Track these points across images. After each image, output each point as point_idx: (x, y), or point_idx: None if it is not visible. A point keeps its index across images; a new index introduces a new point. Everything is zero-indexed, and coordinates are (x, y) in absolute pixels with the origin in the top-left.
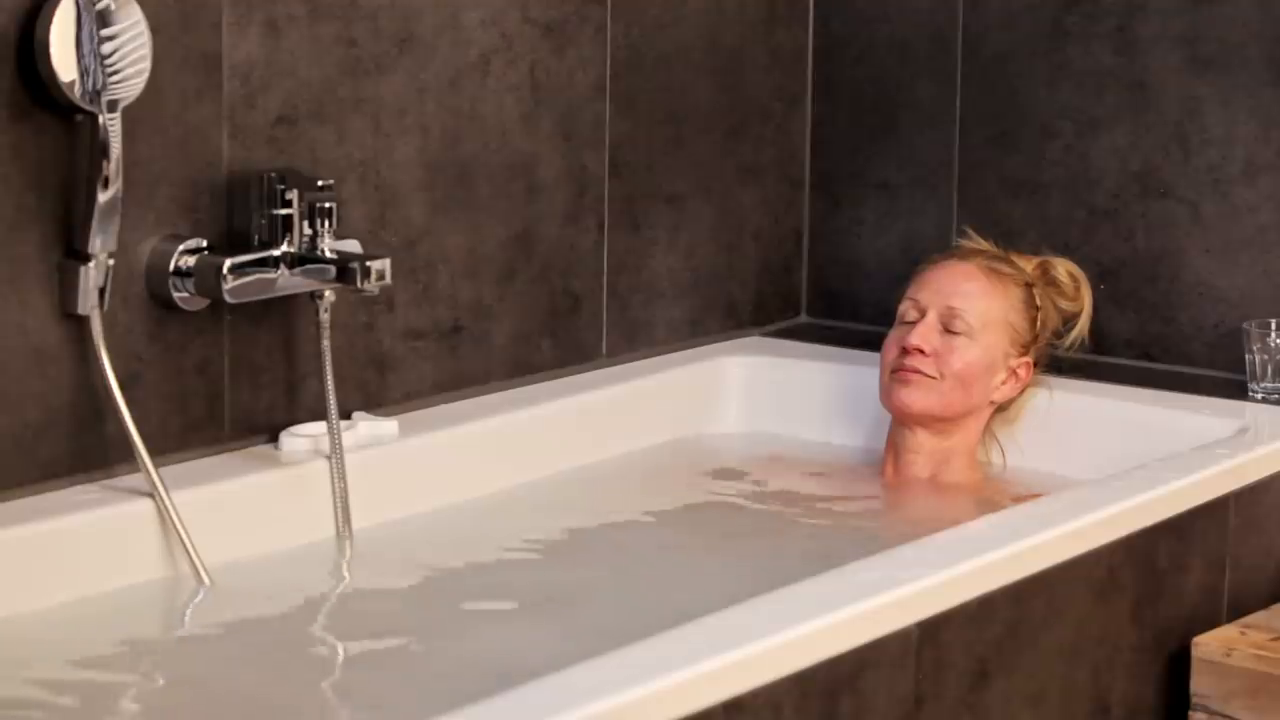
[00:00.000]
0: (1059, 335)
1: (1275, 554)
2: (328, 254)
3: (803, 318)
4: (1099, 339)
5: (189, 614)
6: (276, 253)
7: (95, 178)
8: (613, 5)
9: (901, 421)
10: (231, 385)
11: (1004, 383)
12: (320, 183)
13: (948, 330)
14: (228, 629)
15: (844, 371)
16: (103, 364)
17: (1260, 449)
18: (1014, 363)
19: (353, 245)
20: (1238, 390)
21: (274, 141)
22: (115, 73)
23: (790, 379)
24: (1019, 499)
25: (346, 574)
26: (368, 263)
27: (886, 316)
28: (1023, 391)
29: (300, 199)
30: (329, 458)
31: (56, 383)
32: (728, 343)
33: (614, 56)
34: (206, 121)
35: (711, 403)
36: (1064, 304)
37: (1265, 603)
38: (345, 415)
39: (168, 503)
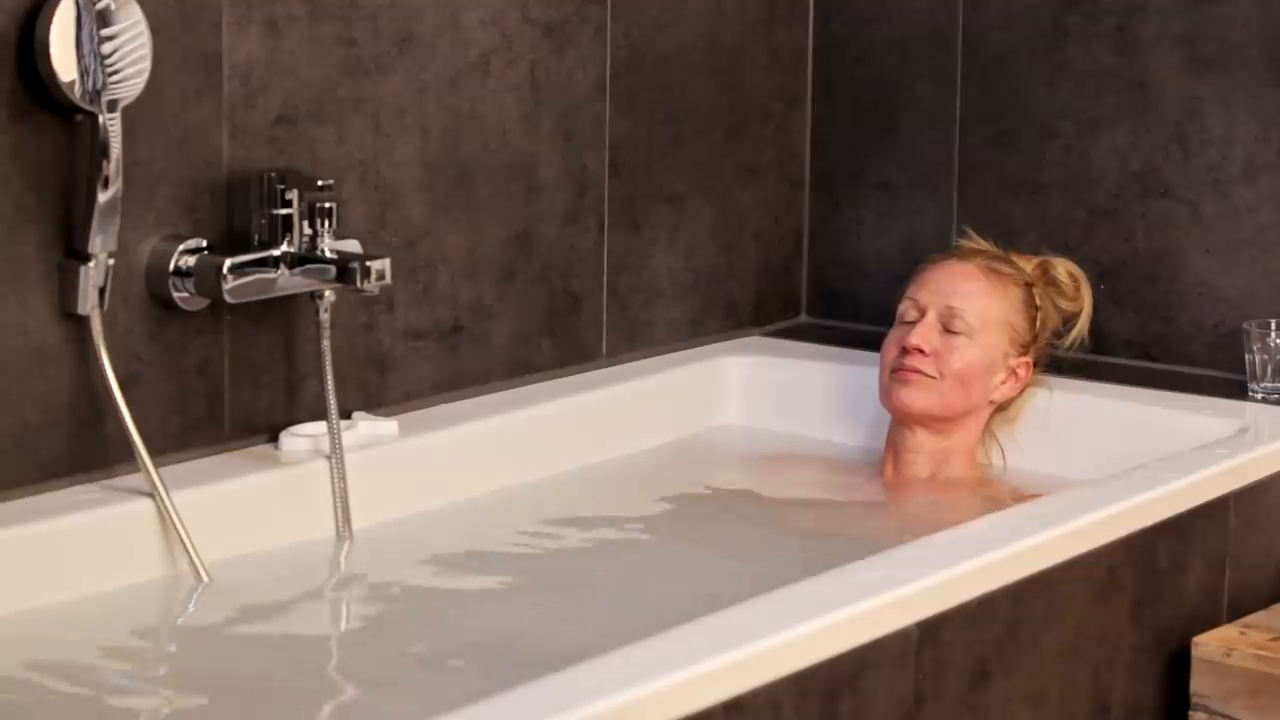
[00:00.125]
0: (1059, 335)
1: (1275, 554)
2: (328, 254)
3: (803, 318)
4: (1099, 339)
5: (189, 613)
6: (276, 253)
7: (95, 178)
8: (613, 5)
9: (901, 421)
10: (231, 385)
11: (1004, 382)
12: (320, 183)
13: (947, 330)
14: (228, 629)
15: (844, 371)
16: (103, 364)
17: (1260, 449)
18: (1014, 362)
19: (353, 245)
20: (1238, 390)
21: (274, 141)
22: (115, 73)
23: (790, 379)
24: (1019, 499)
25: (346, 574)
26: (368, 263)
27: (886, 316)
28: (1022, 391)
29: (300, 199)
30: (329, 458)
31: (56, 383)
32: (728, 343)
33: (614, 56)
34: (206, 121)
35: (711, 403)
36: (1064, 304)
37: (1265, 603)
38: (345, 415)
39: (168, 502)
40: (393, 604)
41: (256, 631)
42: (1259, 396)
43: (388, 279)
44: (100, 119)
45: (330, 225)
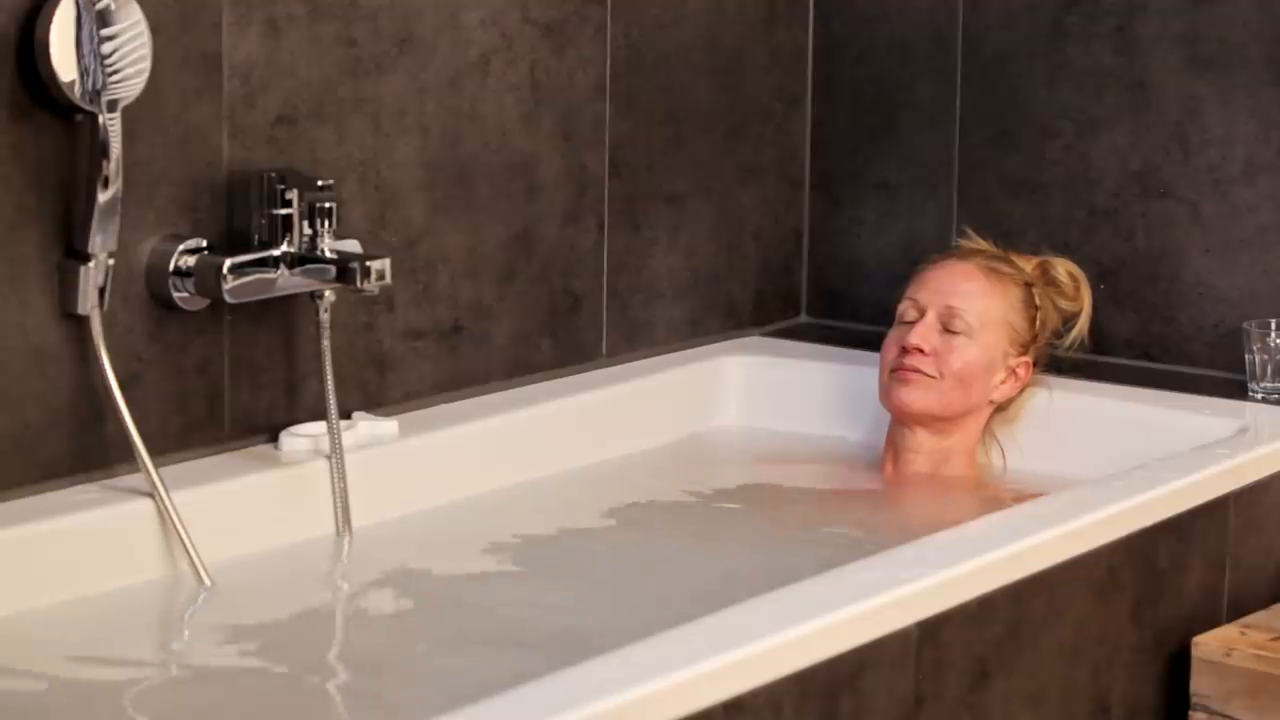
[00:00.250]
0: (1059, 335)
1: (1275, 554)
2: (328, 254)
3: (803, 318)
4: (1099, 339)
5: (189, 614)
6: (276, 253)
7: (95, 178)
8: (613, 5)
9: (901, 421)
10: (231, 385)
11: (1003, 382)
12: (320, 183)
13: (947, 330)
14: (227, 629)
15: (844, 371)
16: (103, 364)
17: (1260, 449)
18: (1013, 362)
19: (353, 245)
20: (1238, 390)
21: (274, 141)
22: (115, 73)
23: (790, 379)
24: (1019, 498)
25: (346, 573)
26: (368, 263)
27: (886, 316)
28: (1022, 391)
29: (300, 199)
30: (329, 457)
31: (56, 383)
32: (728, 342)
33: (614, 56)
34: (206, 121)
35: (711, 402)
36: (1064, 304)
37: (1265, 603)
38: (345, 415)
39: (168, 503)
40: (393, 603)
41: (257, 632)
42: (1259, 396)
43: (388, 279)
44: (100, 119)
45: (330, 225)
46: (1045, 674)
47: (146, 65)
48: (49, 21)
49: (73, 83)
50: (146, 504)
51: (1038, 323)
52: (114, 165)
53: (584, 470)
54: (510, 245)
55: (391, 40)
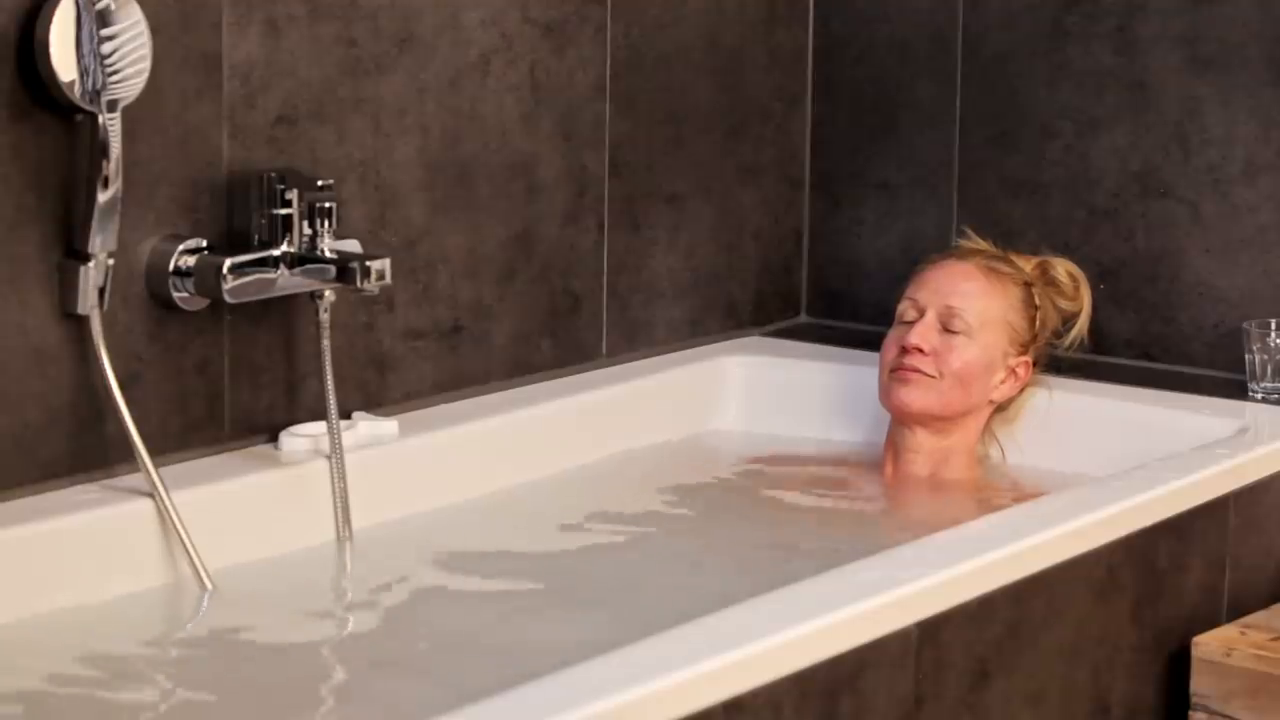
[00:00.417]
0: (1058, 335)
1: (1275, 554)
2: (328, 254)
3: (803, 318)
4: (1099, 339)
5: (188, 614)
6: (276, 253)
7: (95, 178)
8: (613, 5)
9: (901, 421)
10: (231, 385)
11: (1003, 382)
12: (320, 183)
13: (946, 329)
14: (227, 629)
15: (844, 371)
16: (103, 364)
17: (1260, 449)
18: (1013, 362)
19: (353, 245)
20: (1238, 390)
21: (274, 141)
22: (115, 73)
23: (790, 379)
24: (1019, 498)
25: (346, 574)
26: (368, 263)
27: (886, 316)
28: (1022, 391)
29: (300, 199)
30: (329, 458)
31: (56, 383)
32: (728, 342)
33: (614, 56)
34: (206, 121)
35: (711, 402)
36: (1063, 304)
37: (1265, 603)
38: (345, 415)
39: (168, 503)
40: (393, 604)
41: (257, 633)
42: (1259, 396)
43: (388, 279)
44: (100, 119)
45: (330, 225)
46: (1045, 674)
47: (146, 65)
48: (49, 21)
49: (73, 83)
50: (146, 504)
51: (1037, 322)
52: (114, 165)
53: (584, 470)
54: (510, 245)
55: (391, 40)
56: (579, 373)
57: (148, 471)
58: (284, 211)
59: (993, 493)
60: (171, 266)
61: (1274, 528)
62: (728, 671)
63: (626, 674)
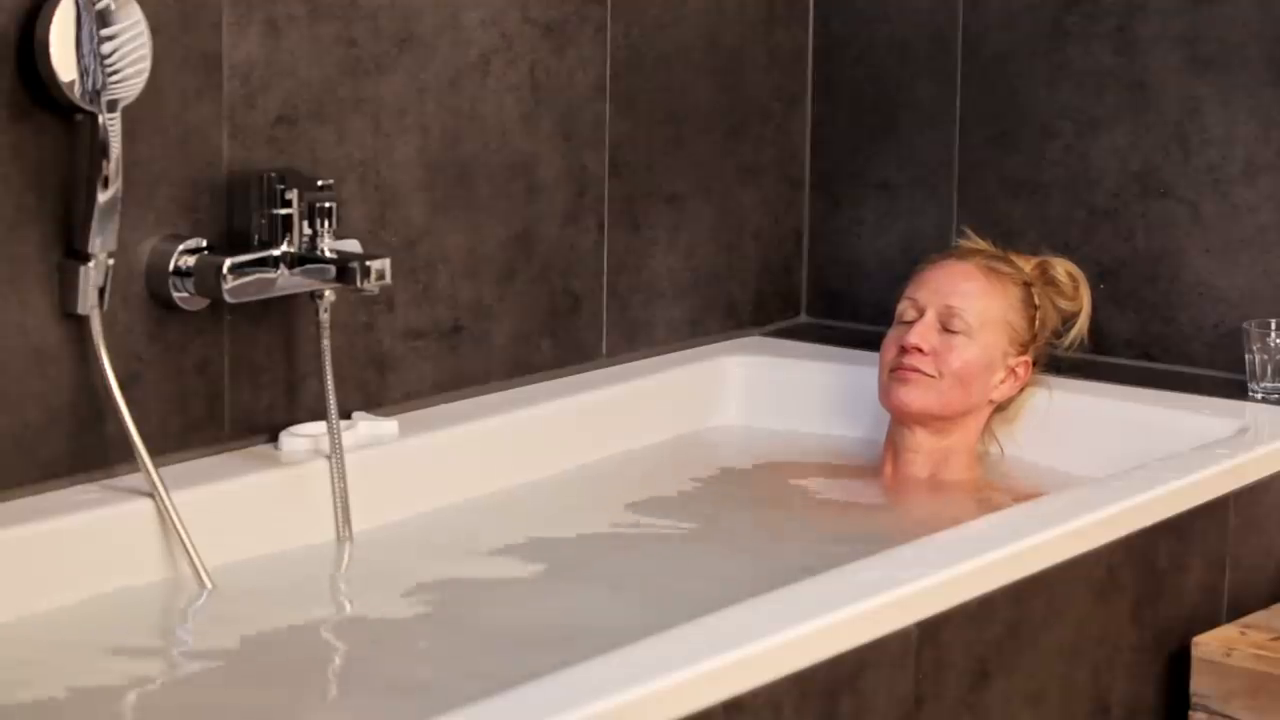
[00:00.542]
0: (1058, 335)
1: (1275, 554)
2: (328, 254)
3: (803, 318)
4: (1099, 339)
5: (189, 614)
6: (276, 252)
7: (95, 178)
8: (613, 5)
9: (900, 420)
10: (231, 385)
11: (1003, 382)
12: (320, 183)
13: (946, 329)
14: (227, 629)
15: (844, 371)
16: (103, 364)
17: (1260, 449)
18: (1013, 362)
19: (353, 245)
20: (1238, 390)
21: (274, 141)
22: (115, 73)
23: (790, 379)
24: (1018, 498)
25: (346, 574)
26: (368, 263)
27: (886, 316)
28: (1022, 391)
29: (300, 199)
30: (329, 458)
31: (56, 383)
32: (728, 342)
33: (614, 56)
34: (206, 121)
35: (711, 402)
36: (1063, 303)
37: (1265, 603)
38: (345, 415)
39: (168, 503)
40: (393, 604)
41: (257, 633)
42: (1259, 396)
43: (388, 279)
44: (100, 119)
45: (330, 225)
46: (1045, 674)
47: (146, 65)
48: (49, 21)
49: (73, 83)
50: (146, 504)
51: (1037, 322)
52: (114, 165)
53: (584, 470)
54: (510, 245)
55: (391, 40)
56: (579, 373)
57: (148, 471)
58: (284, 211)
59: (992, 493)
60: (171, 266)
61: (1274, 528)
62: (728, 671)
63: (626, 674)
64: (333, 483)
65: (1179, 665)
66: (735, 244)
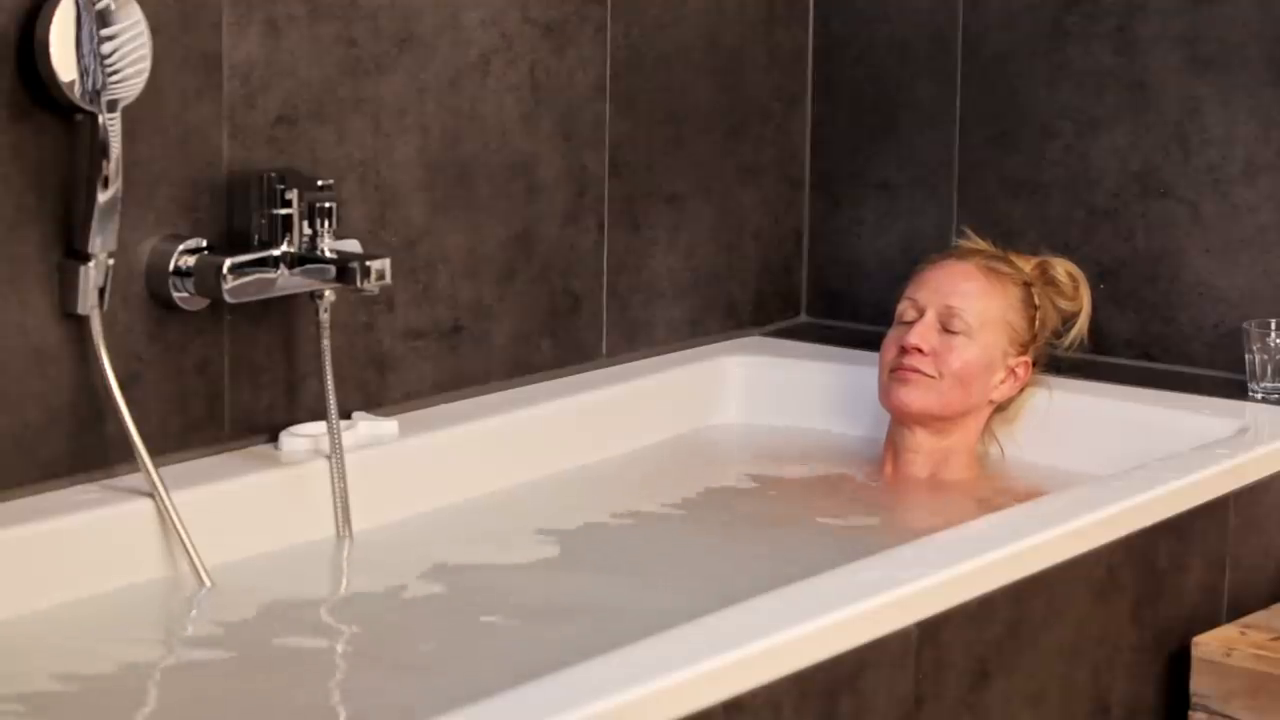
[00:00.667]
0: (1058, 335)
1: (1275, 554)
2: (328, 254)
3: (803, 318)
4: (1099, 339)
5: (189, 614)
6: (276, 253)
7: (95, 178)
8: (613, 5)
9: (900, 421)
10: (231, 385)
11: (1003, 382)
12: (320, 183)
13: (946, 330)
14: (227, 629)
15: (844, 371)
16: (103, 364)
17: (1260, 449)
18: (1013, 362)
19: (353, 245)
20: (1238, 390)
21: (274, 141)
22: (115, 73)
23: (790, 379)
24: (1018, 498)
25: (346, 574)
26: (368, 263)
27: (886, 316)
28: (1022, 391)
29: (300, 199)
30: (329, 458)
31: (56, 383)
32: (728, 342)
33: (614, 56)
34: (206, 121)
35: (711, 402)
36: (1063, 304)
37: (1265, 603)
38: (345, 415)
39: (168, 503)
40: (393, 604)
41: (257, 633)
42: (1259, 396)
43: (388, 279)
44: (100, 119)
45: (330, 225)
46: (1045, 674)
47: (146, 65)
48: (49, 21)
49: (73, 83)
50: (146, 504)
51: (1037, 322)
52: (114, 165)
53: (584, 470)
54: (510, 245)
55: (391, 40)
56: (579, 373)
57: (148, 471)
58: (284, 211)
59: (992, 493)
60: (171, 266)
61: (1274, 528)
62: (728, 671)
63: (626, 674)
64: (333, 483)
65: (1179, 665)
66: (735, 244)
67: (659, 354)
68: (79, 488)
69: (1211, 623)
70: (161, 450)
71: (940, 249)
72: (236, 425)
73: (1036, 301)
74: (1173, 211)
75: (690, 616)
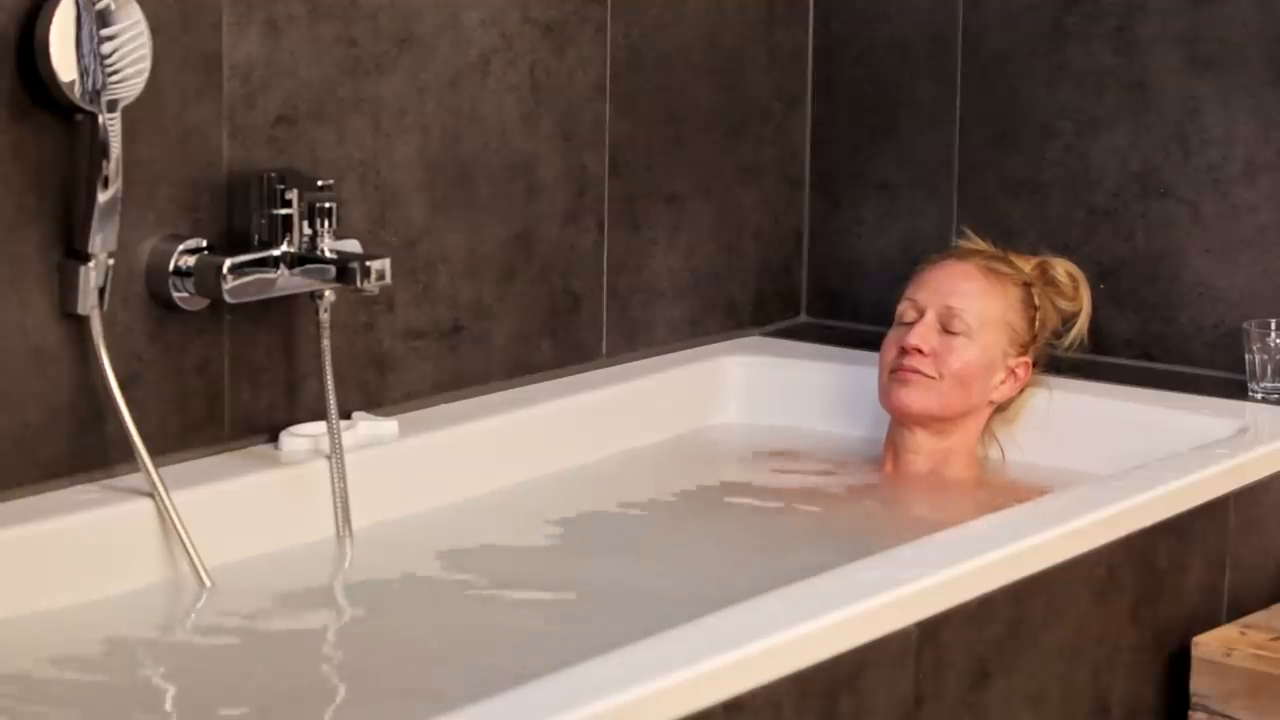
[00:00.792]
0: (1058, 335)
1: (1275, 554)
2: (328, 254)
3: (803, 318)
4: (1099, 339)
5: (189, 614)
6: (276, 253)
7: (95, 178)
8: (613, 5)
9: (901, 421)
10: (231, 385)
11: (1003, 382)
12: (320, 183)
13: (946, 330)
14: (227, 629)
15: (844, 371)
16: (103, 364)
17: (1260, 449)
18: (1013, 362)
19: (353, 245)
20: (1238, 390)
21: (274, 141)
22: (115, 73)
23: (790, 379)
24: (1019, 498)
25: (346, 574)
26: (368, 263)
27: (886, 316)
28: (1022, 391)
29: (300, 199)
30: (329, 458)
31: (56, 383)
32: (728, 342)
33: (614, 56)
34: (206, 121)
35: (711, 402)
36: (1063, 304)
37: (1265, 603)
38: (345, 415)
39: (168, 503)
40: (394, 604)
41: (258, 633)
42: (1259, 396)
43: (388, 279)
44: (100, 119)
45: (330, 225)
46: (1045, 674)
47: (146, 65)
48: (49, 21)
49: (73, 83)
50: (146, 504)
51: (1037, 323)
52: (114, 165)
53: (584, 470)
54: (510, 245)
55: (391, 40)
56: (579, 373)
57: (148, 471)
58: (284, 211)
59: (993, 493)
60: (171, 266)
61: (1274, 528)
62: (728, 671)
63: (626, 674)
64: (333, 483)
65: (1179, 665)
66: (735, 244)
67: (659, 354)
68: (79, 488)
69: (1211, 623)
70: (161, 450)
71: (940, 249)
72: (236, 425)
73: (1036, 302)
74: (1173, 211)
75: (691, 617)
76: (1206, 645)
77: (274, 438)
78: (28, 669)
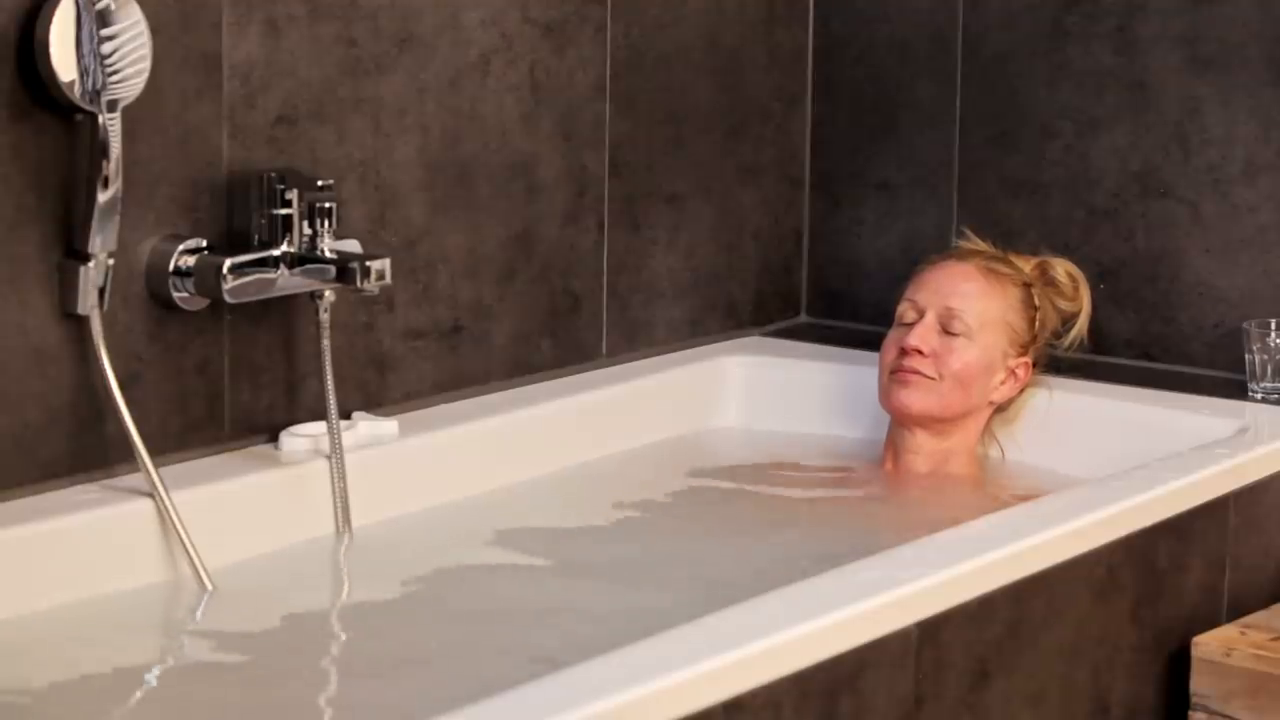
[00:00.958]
0: (1058, 335)
1: (1275, 554)
2: (328, 254)
3: (803, 318)
4: (1099, 339)
5: (188, 614)
6: (276, 253)
7: (95, 178)
8: (613, 5)
9: (901, 422)
10: (231, 385)
11: (1003, 383)
12: (320, 183)
13: (946, 331)
14: (227, 630)
15: (844, 371)
16: (103, 364)
17: (1260, 449)
18: (1013, 363)
19: (353, 245)
20: (1238, 390)
21: (274, 141)
22: (115, 73)
23: (790, 379)
24: (1018, 498)
25: (346, 573)
26: (368, 263)
27: (886, 316)
28: (1022, 391)
29: (300, 199)
30: (329, 457)
31: (56, 383)
32: (728, 342)
33: (614, 56)
34: (206, 121)
35: (711, 402)
36: (1063, 304)
37: (1265, 603)
38: (345, 415)
39: (168, 503)
40: (393, 603)
41: (257, 633)
42: (1259, 396)
43: (388, 279)
44: (100, 119)
45: (330, 225)
46: (1045, 674)
47: (146, 65)
48: (49, 21)
49: (73, 83)
50: (146, 504)
51: (1037, 323)
52: (114, 165)
53: (584, 470)
54: (510, 245)
55: (391, 40)
56: (579, 373)
57: (148, 471)
58: (284, 211)
59: (993, 493)
60: (171, 266)
61: (1274, 528)
62: (728, 671)
63: (626, 674)
64: (333, 483)
65: (1179, 665)
66: (735, 244)
67: (659, 354)
68: (79, 488)
69: (1211, 623)
70: (161, 450)
71: (940, 249)
72: (236, 425)
73: (1036, 302)
74: (1173, 211)
75: (690, 616)
76: (1206, 645)
77: (274, 438)
78: (28, 669)
